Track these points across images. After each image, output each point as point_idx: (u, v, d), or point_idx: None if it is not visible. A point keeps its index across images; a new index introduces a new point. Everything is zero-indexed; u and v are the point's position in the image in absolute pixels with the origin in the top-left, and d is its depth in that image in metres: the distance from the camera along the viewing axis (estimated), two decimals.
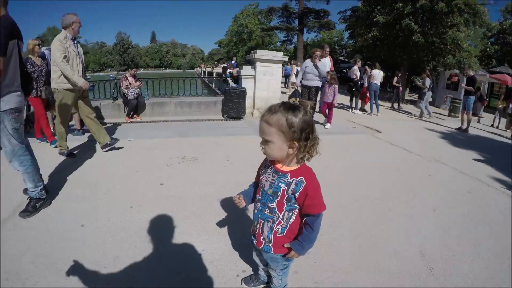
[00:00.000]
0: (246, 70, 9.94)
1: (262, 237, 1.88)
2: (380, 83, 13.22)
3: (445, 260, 2.91)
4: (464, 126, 10.84)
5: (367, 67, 14.21)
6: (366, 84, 13.10)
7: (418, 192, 4.55)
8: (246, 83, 9.89)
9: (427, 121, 12.42)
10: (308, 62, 9.06)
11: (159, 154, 5.59)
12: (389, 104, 16.32)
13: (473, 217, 3.88)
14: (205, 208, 3.63)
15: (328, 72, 8.66)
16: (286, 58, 10.33)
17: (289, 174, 1.70)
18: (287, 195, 1.71)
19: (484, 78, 18.08)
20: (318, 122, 9.36)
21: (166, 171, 4.81)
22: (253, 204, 2.01)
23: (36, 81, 5.82)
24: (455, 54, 17.45)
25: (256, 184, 2.01)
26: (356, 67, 13.65)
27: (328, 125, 8.91)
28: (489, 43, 33.48)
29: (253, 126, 8.49)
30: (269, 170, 1.81)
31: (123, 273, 2.47)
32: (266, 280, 2.33)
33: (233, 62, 27.82)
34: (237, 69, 15.72)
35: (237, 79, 11.04)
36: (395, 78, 15.65)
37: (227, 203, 3.74)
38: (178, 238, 3.00)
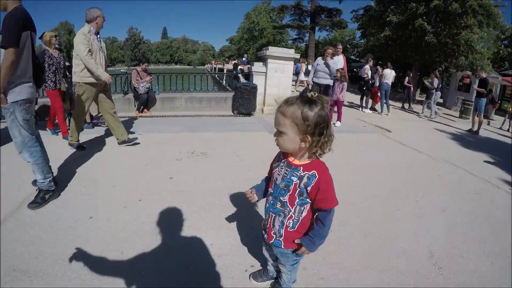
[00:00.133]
0: (257, 66, 9.92)
1: (273, 231, 1.87)
2: (392, 83, 13.13)
3: (454, 260, 2.88)
4: (475, 128, 10.72)
5: (378, 66, 14.11)
6: (377, 84, 13.01)
7: (427, 192, 4.51)
8: (257, 80, 9.88)
9: (437, 122, 12.30)
10: (319, 60, 9.02)
11: (169, 149, 5.61)
12: (399, 104, 16.19)
13: (482, 219, 3.83)
14: (214, 203, 3.63)
15: (338, 70, 8.60)
16: (297, 56, 10.30)
17: (301, 167, 1.69)
18: (299, 189, 1.70)
19: (496, 81, 17.84)
20: None
21: (175, 166, 4.82)
22: (264, 199, 2.01)
23: (55, 74, 5.79)
24: (467, 55, 17.23)
25: (269, 179, 2.00)
26: (367, 66, 13.57)
27: (338, 124, 8.88)
28: (502, 46, 33.09)
29: (263, 123, 8.49)
30: (281, 164, 1.80)
31: (131, 265, 2.48)
32: (275, 276, 2.32)
33: (244, 59, 27.85)
34: (248, 65, 15.71)
35: (248, 76, 11.03)
36: (407, 78, 15.51)
37: (236, 199, 3.74)
38: (187, 232, 3.00)
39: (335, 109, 8.96)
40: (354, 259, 2.76)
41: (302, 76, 18.40)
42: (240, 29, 65.23)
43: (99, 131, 6.68)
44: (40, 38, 5.84)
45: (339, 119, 8.99)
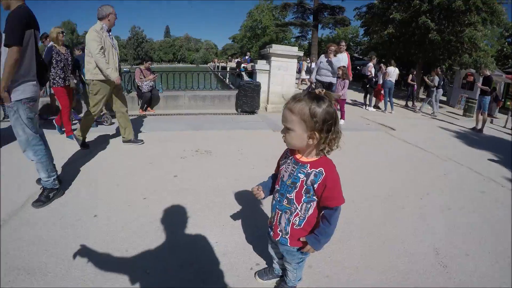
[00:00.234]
0: (261, 64, 9.89)
1: (279, 228, 1.87)
2: (395, 81, 13.09)
3: (459, 258, 2.88)
4: (479, 126, 10.66)
5: (382, 64, 14.07)
6: (380, 82, 12.97)
7: (432, 190, 4.50)
8: (261, 78, 9.86)
9: (441, 120, 12.25)
10: (322, 57, 8.99)
11: (172, 147, 5.61)
12: (403, 102, 16.13)
13: (486, 217, 3.82)
14: (219, 201, 3.63)
15: (339, 68, 8.55)
16: (301, 53, 10.27)
17: (308, 165, 1.68)
18: (305, 186, 1.69)
19: (500, 79, 17.75)
20: None
21: (179, 164, 4.82)
22: (269, 197, 2.00)
23: (63, 70, 5.74)
24: (471, 53, 17.14)
25: (275, 176, 1.99)
26: (371, 64, 13.56)
27: (342, 122, 8.83)
28: (506, 43, 32.92)
29: (267, 121, 8.48)
30: (288, 161, 1.79)
31: (136, 264, 2.48)
32: (281, 274, 2.31)
33: (247, 57, 27.82)
34: (251, 63, 15.69)
35: (251, 74, 11.01)
36: (410, 76, 15.45)
37: (241, 196, 3.74)
38: (192, 230, 3.00)
39: (338, 107, 8.92)
40: (358, 258, 2.75)
41: (303, 74, 18.38)
42: (242, 27, 65.02)
43: (102, 130, 6.68)
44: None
45: (342, 117, 8.96)
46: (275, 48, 9.62)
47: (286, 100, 1.64)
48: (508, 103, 15.47)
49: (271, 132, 7.27)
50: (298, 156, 1.74)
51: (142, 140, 5.81)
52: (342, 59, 9.32)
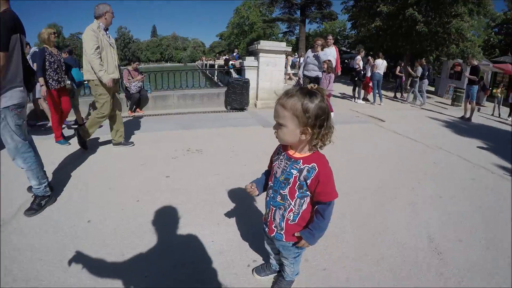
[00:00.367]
0: (249, 61, 9.89)
1: (274, 224, 1.88)
2: (383, 73, 13.20)
3: (451, 245, 2.93)
4: (467, 115, 10.79)
5: (370, 57, 14.15)
6: (368, 74, 13.05)
7: (423, 180, 4.57)
8: (249, 74, 9.86)
9: (430, 110, 12.37)
10: (309, 52, 9.00)
11: (163, 147, 5.58)
12: (391, 94, 16.24)
13: (477, 204, 3.89)
14: (212, 200, 3.63)
15: (324, 62, 8.53)
16: (289, 49, 10.28)
17: (301, 160, 1.68)
18: (298, 182, 1.70)
19: (487, 68, 17.93)
20: None
21: (171, 164, 4.80)
22: (263, 193, 2.01)
23: (57, 72, 5.56)
24: (458, 43, 17.32)
25: (268, 172, 1.99)
26: (359, 57, 13.63)
27: (331, 114, 8.85)
28: (492, 33, 33.27)
29: (257, 117, 8.49)
30: (281, 157, 1.79)
31: (133, 267, 2.47)
32: (278, 269, 2.32)
33: (235, 54, 27.80)
34: (239, 60, 15.68)
35: (239, 71, 11.00)
36: (398, 67, 15.58)
37: (234, 194, 3.75)
38: (187, 230, 2.99)
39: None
40: (355, 249, 2.78)
41: (288, 69, 18.44)
42: (230, 24, 64.90)
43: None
44: None
45: (330, 109, 8.96)
46: (263, 44, 9.62)
47: (278, 95, 1.63)
48: (494, 90, 15.65)
49: (261, 128, 7.28)
50: (290, 152, 1.74)
51: (132, 142, 5.73)
52: (331, 53, 9.33)
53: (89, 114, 8.10)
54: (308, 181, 1.67)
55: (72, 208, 3.40)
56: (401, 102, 14.27)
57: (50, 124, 6.69)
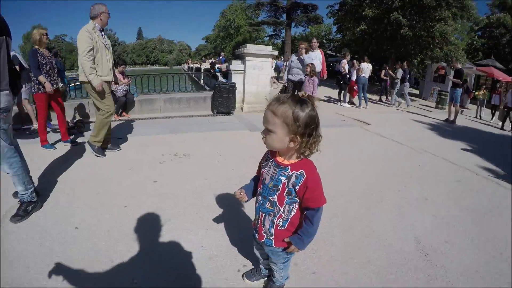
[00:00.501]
0: (235, 64, 9.89)
1: (263, 230, 1.89)
2: (369, 76, 13.35)
3: (438, 246, 3.00)
4: (452, 118, 10.99)
5: (355, 60, 14.30)
6: (354, 78, 13.18)
7: (409, 182, 4.64)
8: (236, 78, 9.85)
9: (414, 113, 12.56)
10: (293, 56, 9.08)
11: (150, 151, 5.53)
12: (377, 97, 16.44)
13: (463, 205, 3.98)
14: (200, 204, 3.62)
15: (307, 65, 8.57)
16: (275, 53, 10.32)
17: (289, 167, 1.70)
18: (287, 188, 1.72)
19: (470, 71, 18.32)
20: None
21: (158, 169, 4.77)
22: (252, 199, 2.02)
23: (49, 74, 5.42)
24: (442, 47, 17.67)
25: (257, 178, 2.00)
26: (344, 61, 13.74)
27: None
28: (476, 37, 33.88)
29: (243, 121, 8.49)
30: (270, 164, 1.81)
31: (122, 274, 2.45)
32: (268, 274, 2.34)
33: (221, 57, 27.77)
34: (226, 64, 15.68)
35: (226, 74, 10.99)
36: (383, 71, 15.77)
37: (222, 199, 3.74)
38: (175, 235, 2.98)
39: None
40: (342, 253, 2.81)
41: (272, 72, 18.52)
42: (216, 27, 64.83)
43: (76, 137, 6.51)
44: None
45: None
46: (250, 48, 9.63)
47: (269, 101, 1.64)
48: (476, 93, 16.01)
49: (248, 132, 7.29)
50: (279, 158, 1.76)
51: (119, 147, 5.66)
52: (316, 56, 9.41)
53: (74, 118, 7.99)
54: (296, 188, 1.69)
55: (59, 214, 3.34)
56: (386, 105, 14.46)
57: (34, 127, 6.60)
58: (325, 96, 15.00)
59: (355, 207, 3.75)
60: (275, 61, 19.30)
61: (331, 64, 30.40)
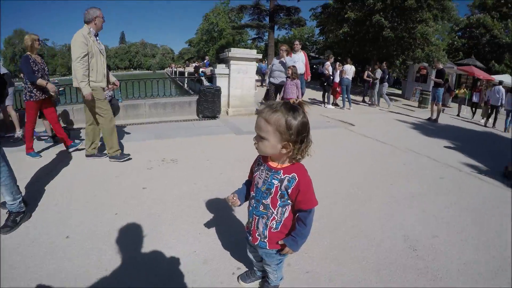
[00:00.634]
0: (220, 68, 9.89)
1: (257, 233, 1.93)
2: (352, 78, 13.52)
3: (426, 241, 3.10)
4: (434, 116, 11.21)
5: (338, 62, 14.46)
6: (337, 79, 13.31)
7: (395, 181, 4.76)
8: (220, 82, 9.87)
9: (398, 112, 12.77)
10: (274, 59, 9.14)
11: (138, 158, 5.49)
12: (360, 98, 16.63)
13: (448, 201, 4.13)
14: (191, 209, 3.63)
15: (289, 67, 8.51)
16: (260, 56, 10.38)
17: (282, 171, 1.75)
18: (280, 192, 1.76)
19: (452, 70, 18.69)
20: None
21: (147, 175, 4.75)
22: (244, 203, 2.05)
23: None
24: (424, 48, 17.98)
25: (249, 182, 2.04)
26: (328, 63, 13.88)
27: None
28: (456, 37, 34.49)
29: (229, 125, 8.51)
30: (262, 168, 1.85)
31: (114, 281, 2.45)
32: (263, 275, 2.37)
33: (205, 61, 27.72)
34: (210, 68, 15.67)
35: (210, 79, 11.00)
36: (366, 72, 15.96)
37: (212, 203, 3.76)
38: (168, 241, 2.98)
39: None
40: (336, 251, 2.87)
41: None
42: (199, 31, 64.71)
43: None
44: None
45: None
46: (234, 51, 9.65)
47: (261, 107, 1.68)
48: (457, 91, 16.37)
49: (234, 135, 7.31)
50: (271, 163, 1.80)
51: (105, 153, 5.50)
52: (299, 58, 9.48)
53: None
54: (289, 191, 1.74)
55: (49, 223, 3.29)
56: (368, 106, 14.66)
57: (17, 134, 6.46)
58: (309, 98, 15.11)
59: (343, 207, 3.83)
60: (258, 64, 19.35)
61: (314, 66, 30.65)
